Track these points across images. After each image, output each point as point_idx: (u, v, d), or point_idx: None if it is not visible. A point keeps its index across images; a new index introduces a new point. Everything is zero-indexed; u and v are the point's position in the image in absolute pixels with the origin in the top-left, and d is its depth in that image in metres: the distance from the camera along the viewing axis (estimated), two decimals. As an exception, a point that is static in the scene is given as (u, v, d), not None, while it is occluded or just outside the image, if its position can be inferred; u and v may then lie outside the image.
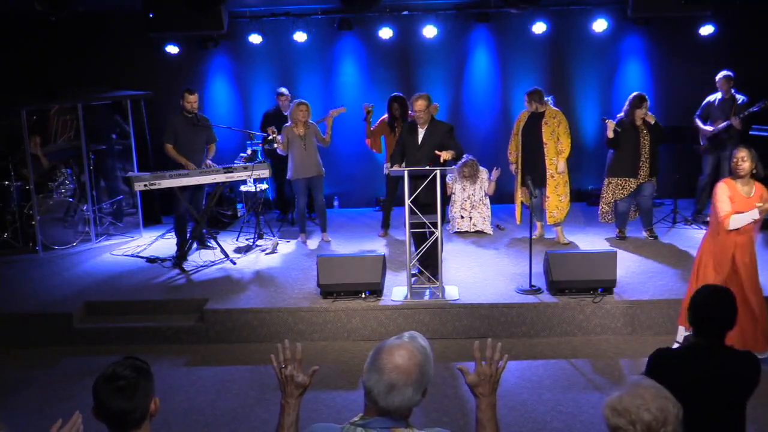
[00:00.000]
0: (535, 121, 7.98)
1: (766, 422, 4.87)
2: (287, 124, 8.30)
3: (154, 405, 2.46)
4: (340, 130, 8.65)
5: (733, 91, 8.67)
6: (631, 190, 7.96)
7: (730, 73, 8.65)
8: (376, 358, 2.23)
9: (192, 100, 8.02)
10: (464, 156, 8.47)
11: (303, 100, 8.31)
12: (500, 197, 9.30)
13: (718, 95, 8.74)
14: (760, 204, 5.37)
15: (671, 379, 2.88)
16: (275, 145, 8.36)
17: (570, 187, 8.10)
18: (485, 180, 8.83)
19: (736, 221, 5.39)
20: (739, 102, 8.62)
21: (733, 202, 5.41)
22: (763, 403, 4.95)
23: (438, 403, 5.30)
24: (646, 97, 7.87)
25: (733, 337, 5.43)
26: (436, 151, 6.67)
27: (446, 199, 8.27)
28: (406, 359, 2.20)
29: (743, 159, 5.35)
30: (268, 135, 8.42)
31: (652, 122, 7.83)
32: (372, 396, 2.20)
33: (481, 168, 8.84)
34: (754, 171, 5.39)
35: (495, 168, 8.72)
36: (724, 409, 3.07)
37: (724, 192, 5.44)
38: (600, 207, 8.24)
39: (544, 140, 7.90)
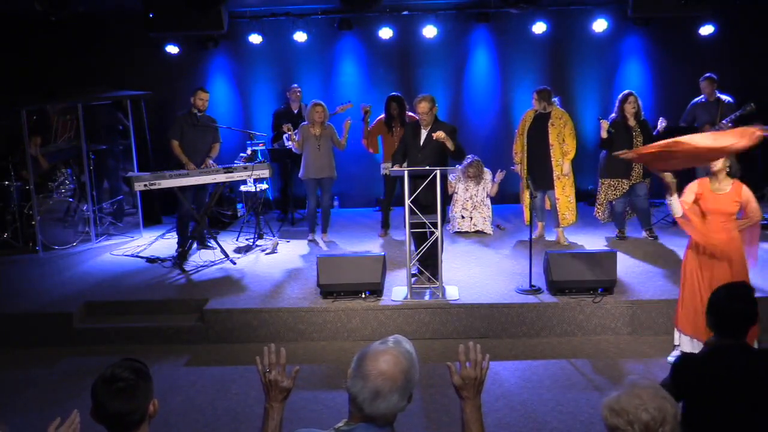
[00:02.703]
0: (541, 122, 7.95)
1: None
2: (304, 123, 8.32)
3: (153, 406, 2.46)
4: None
5: (717, 93, 8.67)
6: (624, 190, 7.96)
7: (713, 75, 8.65)
8: (360, 364, 2.21)
9: (205, 98, 8.10)
10: (469, 156, 8.49)
11: (319, 101, 8.33)
12: (502, 197, 9.30)
13: (702, 98, 8.75)
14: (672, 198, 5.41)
15: (698, 384, 2.87)
16: (289, 143, 8.38)
17: (575, 186, 8.10)
18: (488, 181, 8.83)
19: (672, 206, 5.47)
20: (726, 103, 8.62)
21: (702, 198, 5.41)
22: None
23: (439, 403, 5.30)
24: (632, 92, 7.91)
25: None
26: (433, 134, 6.65)
27: (447, 199, 8.28)
28: (391, 365, 2.18)
29: None
30: (284, 132, 8.43)
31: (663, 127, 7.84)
32: (357, 402, 2.18)
33: (485, 169, 8.84)
34: (728, 169, 5.35)
35: (500, 170, 8.68)
36: (751, 410, 3.02)
37: (691, 188, 5.50)
38: (595, 207, 8.25)
39: (551, 142, 7.87)
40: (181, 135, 8.00)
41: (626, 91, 7.95)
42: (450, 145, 6.66)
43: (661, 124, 7.91)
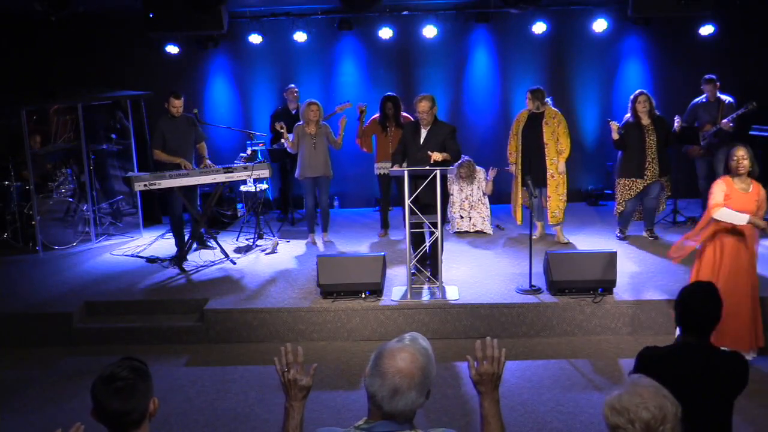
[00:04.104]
0: (535, 122, 7.97)
1: (765, 424, 4.86)
2: (299, 123, 8.31)
3: (153, 405, 2.46)
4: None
5: (718, 93, 8.67)
6: (638, 191, 7.96)
7: (714, 76, 8.66)
8: (377, 362, 2.21)
9: (177, 105, 7.98)
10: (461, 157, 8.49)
11: (314, 100, 8.31)
12: (499, 197, 9.31)
13: (703, 98, 8.75)
14: (755, 218, 5.39)
15: (658, 378, 2.89)
16: (282, 141, 8.37)
17: (567, 186, 8.11)
18: (482, 180, 8.83)
19: (723, 214, 5.43)
20: (726, 103, 8.62)
21: (729, 198, 5.45)
22: (762, 404, 4.96)
23: (439, 403, 5.29)
24: (644, 91, 7.91)
25: (722, 336, 5.46)
26: (428, 152, 6.64)
27: (446, 198, 8.28)
28: (408, 362, 2.19)
29: (743, 157, 5.39)
30: (278, 130, 8.41)
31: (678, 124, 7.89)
32: (376, 400, 2.19)
33: (477, 168, 8.85)
34: (751, 169, 5.43)
35: (491, 168, 8.72)
36: (710, 409, 3.07)
37: (720, 187, 5.52)
38: (616, 206, 8.25)
39: (545, 140, 7.91)
40: (163, 141, 7.95)
41: (637, 91, 7.95)
42: (441, 157, 6.65)
43: (677, 123, 7.95)
